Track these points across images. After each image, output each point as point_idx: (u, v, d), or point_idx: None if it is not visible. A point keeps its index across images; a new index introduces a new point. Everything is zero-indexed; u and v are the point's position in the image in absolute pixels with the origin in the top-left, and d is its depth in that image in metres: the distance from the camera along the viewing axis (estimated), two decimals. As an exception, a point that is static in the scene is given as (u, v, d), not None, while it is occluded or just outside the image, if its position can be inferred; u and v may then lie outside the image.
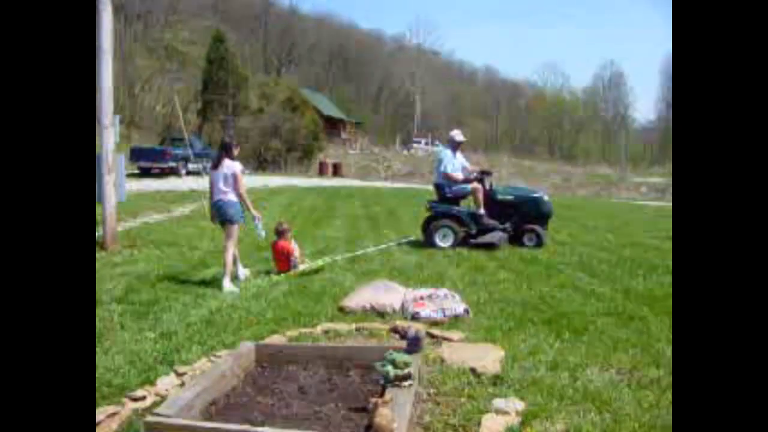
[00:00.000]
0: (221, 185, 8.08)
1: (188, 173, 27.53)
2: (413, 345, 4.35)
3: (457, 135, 11.82)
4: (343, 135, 66.29)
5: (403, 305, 6.50)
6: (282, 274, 8.52)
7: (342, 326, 5.87)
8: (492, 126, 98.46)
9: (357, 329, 5.83)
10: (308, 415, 3.81)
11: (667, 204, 33.08)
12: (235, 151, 8.28)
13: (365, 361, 4.51)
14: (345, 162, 47.12)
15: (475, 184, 11.40)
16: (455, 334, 5.61)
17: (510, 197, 11.66)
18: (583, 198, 36.46)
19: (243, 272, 8.47)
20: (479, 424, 3.71)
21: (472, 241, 11.15)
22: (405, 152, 62.59)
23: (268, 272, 8.85)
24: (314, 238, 12.27)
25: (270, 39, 78.80)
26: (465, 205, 11.61)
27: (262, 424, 3.63)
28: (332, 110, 69.18)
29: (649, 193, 47.65)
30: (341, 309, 6.48)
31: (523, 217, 11.41)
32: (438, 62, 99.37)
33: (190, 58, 52.77)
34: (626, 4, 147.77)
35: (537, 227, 11.33)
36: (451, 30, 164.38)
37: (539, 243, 11.20)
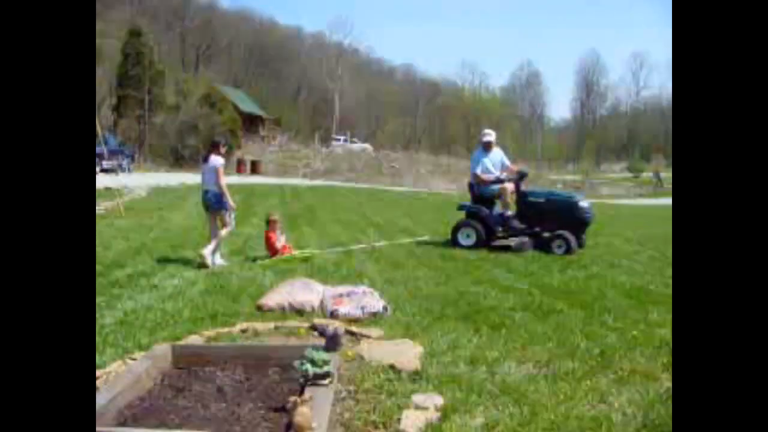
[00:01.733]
0: (208, 177, 9.36)
1: (103, 171, 26.75)
2: (332, 342, 4.33)
3: (485, 135, 11.52)
4: (262, 132, 65.47)
5: (322, 303, 6.47)
6: (268, 260, 9.44)
7: (260, 325, 5.79)
8: (411, 124, 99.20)
9: (276, 328, 5.76)
10: (226, 416, 3.74)
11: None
12: (222, 149, 9.66)
13: (284, 359, 4.46)
14: (264, 159, 46.65)
15: (504, 185, 11.03)
16: (374, 331, 5.61)
17: (541, 200, 11.08)
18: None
19: (219, 261, 9.26)
20: (399, 420, 3.72)
21: (493, 243, 10.85)
22: (324, 150, 62.38)
23: (255, 259, 9.64)
24: (230, 236, 12.07)
25: (188, 34, 77.26)
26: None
27: (179, 427, 3.56)
28: (251, 107, 68.27)
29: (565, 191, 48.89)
30: (259, 308, 6.40)
31: (554, 222, 10.70)
32: (357, 60, 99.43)
33: (104, 52, 51.20)
34: (543, 4, 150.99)
35: (567, 233, 10.44)
36: (371, 28, 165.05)
37: (568, 250, 10.32)
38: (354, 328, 5.65)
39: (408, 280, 7.98)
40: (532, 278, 8.22)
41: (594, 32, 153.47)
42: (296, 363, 3.89)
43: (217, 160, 9.33)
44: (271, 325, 5.82)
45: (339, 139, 70.38)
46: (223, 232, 9.38)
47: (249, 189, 25.84)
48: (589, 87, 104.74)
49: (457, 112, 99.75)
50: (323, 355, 3.92)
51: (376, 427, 3.71)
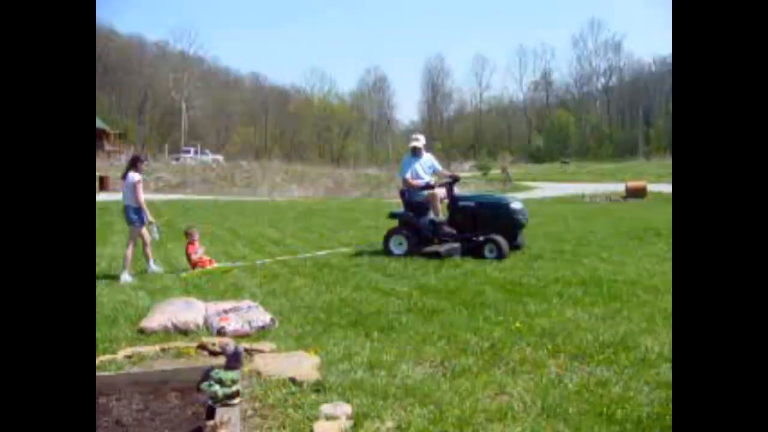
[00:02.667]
0: (126, 193, 9.89)
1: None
2: (234, 360, 4.23)
3: (414, 140, 11.22)
4: (108, 147, 62.83)
5: (206, 321, 6.31)
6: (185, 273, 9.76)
7: (146, 349, 5.56)
8: (261, 132, 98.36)
9: (162, 350, 5.55)
10: (131, 447, 3.59)
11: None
12: (142, 166, 10.19)
13: (182, 383, 4.33)
14: (111, 175, 44.68)
15: (433, 191, 10.68)
16: (265, 346, 5.54)
17: (471, 204, 10.66)
18: (356, 199, 37.48)
19: (154, 268, 10.08)
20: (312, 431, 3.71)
21: (424, 249, 10.38)
22: (174, 162, 60.61)
23: (172, 272, 10.05)
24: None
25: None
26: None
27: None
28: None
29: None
30: (141, 330, 6.14)
31: (486, 226, 10.28)
32: (203, 69, 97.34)
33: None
34: (389, 11, 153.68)
35: (498, 237, 10.00)
36: (215, 36, 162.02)
37: (500, 255, 9.90)
38: (244, 344, 5.53)
39: (288, 291, 7.93)
40: (411, 280, 8.37)
41: (438, 35, 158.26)
42: (204, 385, 3.78)
43: (134, 176, 9.83)
44: (157, 347, 5.60)
45: (189, 151, 68.64)
46: (148, 241, 10.06)
47: (102, 207, 24.70)
48: (435, 89, 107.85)
49: (307, 120, 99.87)
50: (231, 375, 3.83)
51: (290, 442, 3.68)
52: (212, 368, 3.99)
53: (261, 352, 5.37)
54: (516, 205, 10.54)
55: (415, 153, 11.11)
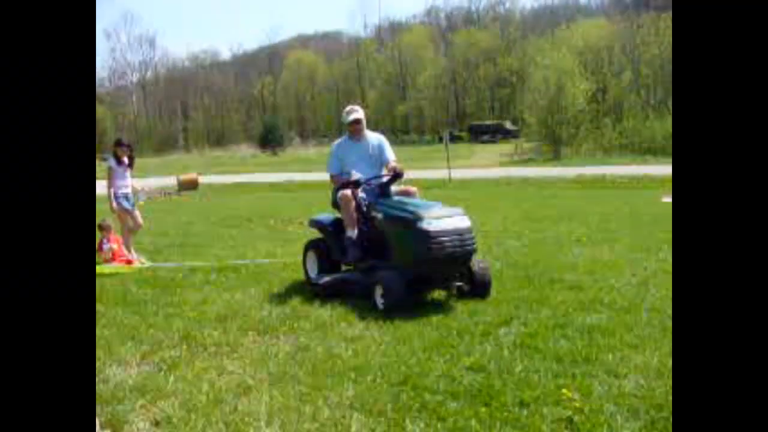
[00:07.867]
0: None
1: None
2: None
3: (346, 113, 7.39)
4: None
5: None
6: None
7: None
8: None
9: None
10: None
11: None
12: (119, 150, 9.43)
13: None
14: None
15: (345, 192, 6.90)
16: None
17: (379, 215, 6.65)
18: None
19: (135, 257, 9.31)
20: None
21: (312, 280, 7.15)
22: None
23: None
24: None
25: None
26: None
27: None
28: None
29: None
30: None
31: (392, 253, 6.50)
32: None
33: None
34: None
35: (388, 275, 6.17)
36: None
37: (387, 303, 6.01)
38: None
39: None
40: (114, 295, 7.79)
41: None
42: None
43: (108, 161, 9.52)
44: None
45: None
46: (125, 232, 9.41)
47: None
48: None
49: None
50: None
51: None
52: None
53: None
54: (434, 224, 6.07)
55: (353, 134, 7.43)
